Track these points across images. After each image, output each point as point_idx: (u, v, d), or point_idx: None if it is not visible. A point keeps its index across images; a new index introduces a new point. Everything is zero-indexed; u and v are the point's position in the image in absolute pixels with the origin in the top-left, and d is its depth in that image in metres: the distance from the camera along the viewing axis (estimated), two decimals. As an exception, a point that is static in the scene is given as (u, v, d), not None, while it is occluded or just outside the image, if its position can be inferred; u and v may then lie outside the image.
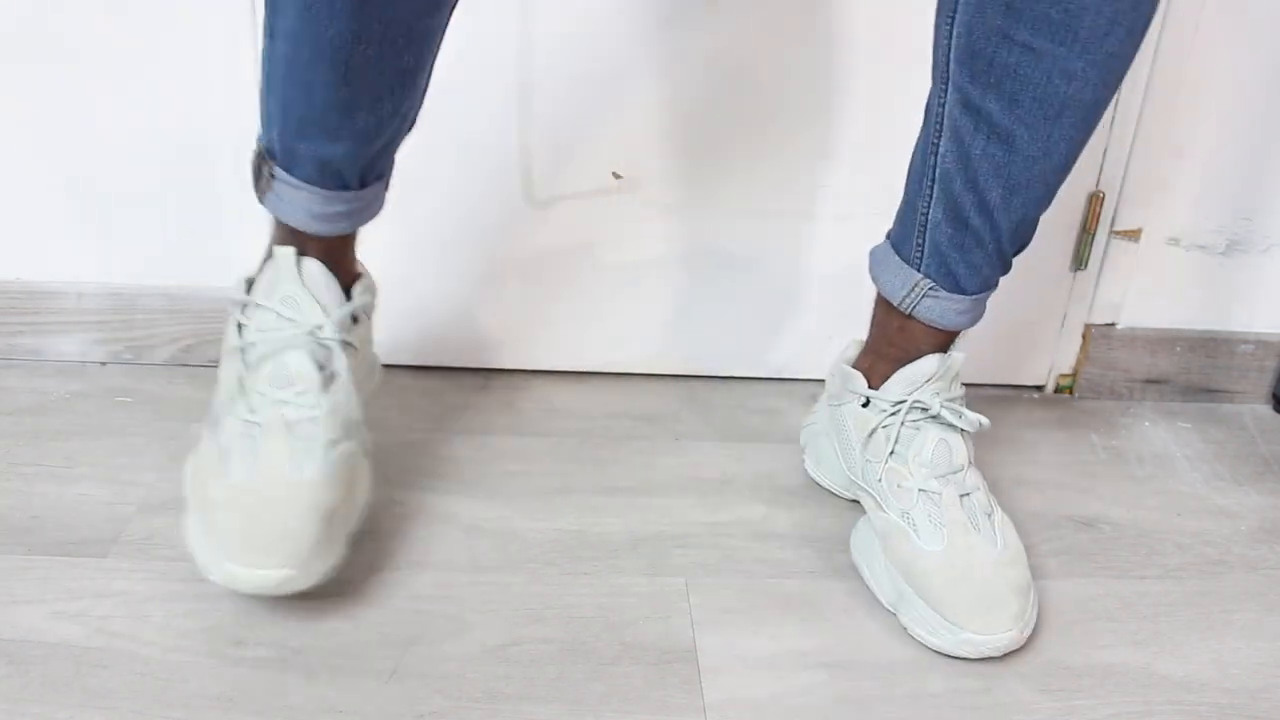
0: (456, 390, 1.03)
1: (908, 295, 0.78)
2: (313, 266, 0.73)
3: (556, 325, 1.04)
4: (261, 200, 0.74)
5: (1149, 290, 1.04)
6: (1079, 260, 1.03)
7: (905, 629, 0.74)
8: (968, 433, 0.80)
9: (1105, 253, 1.02)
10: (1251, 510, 0.92)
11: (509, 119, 0.94)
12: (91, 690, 0.66)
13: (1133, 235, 1.02)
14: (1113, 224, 1.01)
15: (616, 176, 0.98)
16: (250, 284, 0.77)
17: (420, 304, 1.02)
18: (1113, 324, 1.06)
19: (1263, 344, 1.07)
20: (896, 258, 0.80)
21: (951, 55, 0.70)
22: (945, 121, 0.72)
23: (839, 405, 0.85)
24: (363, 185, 0.73)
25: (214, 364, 1.03)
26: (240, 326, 0.75)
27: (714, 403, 1.03)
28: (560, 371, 1.07)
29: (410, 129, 0.75)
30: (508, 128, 0.95)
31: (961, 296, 0.77)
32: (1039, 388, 1.10)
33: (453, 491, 0.87)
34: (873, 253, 0.83)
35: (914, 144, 0.78)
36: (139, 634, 0.70)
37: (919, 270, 0.78)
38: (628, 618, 0.74)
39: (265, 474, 0.69)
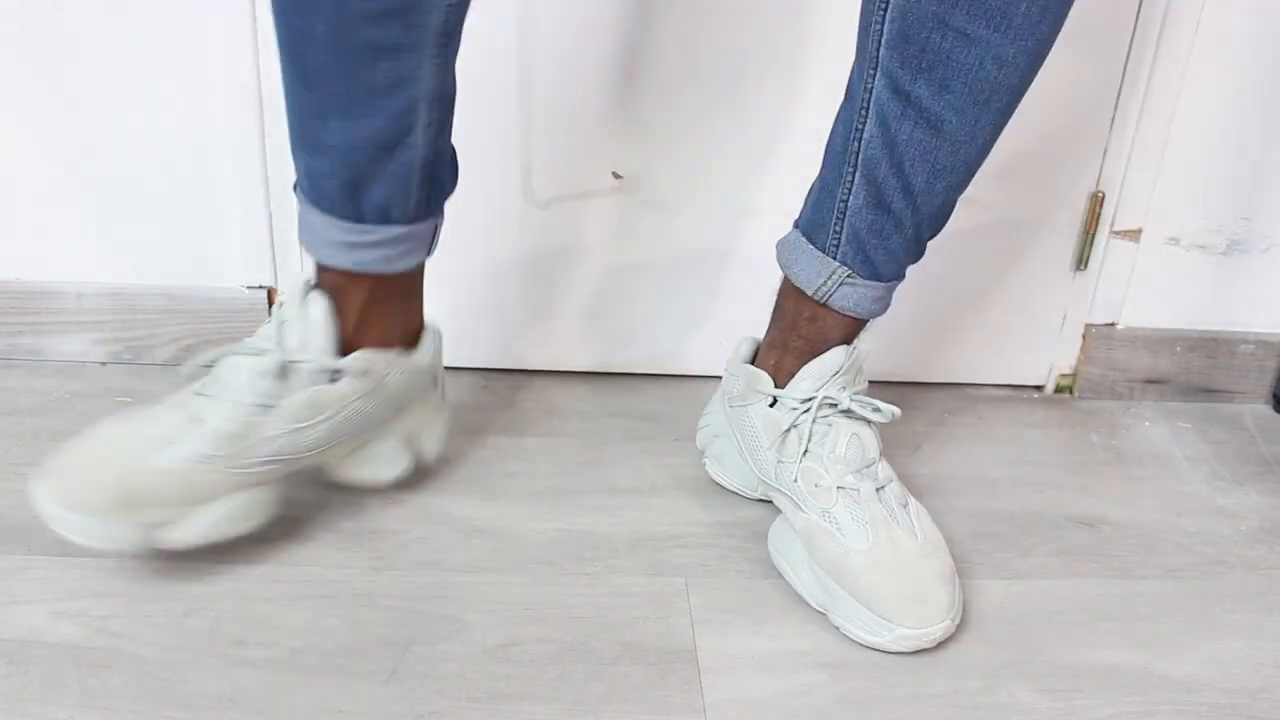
0: (456, 390, 1.03)
1: (824, 284, 0.77)
2: (318, 300, 0.73)
3: (556, 325, 1.04)
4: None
5: (1149, 290, 1.04)
6: (1079, 260, 1.03)
7: (838, 629, 0.74)
8: (876, 425, 0.79)
9: (1105, 253, 1.02)
10: (1251, 510, 0.92)
11: (509, 119, 0.95)
12: (91, 690, 0.65)
13: (1133, 235, 1.02)
14: (1113, 224, 1.01)
15: (616, 176, 0.98)
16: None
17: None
18: (1113, 324, 1.06)
19: (1263, 344, 1.07)
20: (811, 246, 0.78)
21: (883, 39, 0.69)
22: (871, 106, 0.71)
23: (744, 406, 0.83)
24: (359, 219, 0.71)
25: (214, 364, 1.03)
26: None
27: (714, 403, 1.03)
28: (560, 371, 1.07)
29: (423, 179, 0.73)
30: (508, 128, 0.95)
31: (877, 283, 0.76)
32: (1039, 388, 1.10)
33: (452, 491, 0.87)
34: (781, 243, 0.81)
35: (831, 128, 0.77)
36: (139, 634, 0.70)
37: (835, 258, 0.76)
38: (628, 618, 0.74)
39: (132, 433, 0.71)
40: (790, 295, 0.81)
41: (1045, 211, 1.01)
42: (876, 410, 0.78)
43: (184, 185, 0.97)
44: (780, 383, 0.81)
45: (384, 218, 0.72)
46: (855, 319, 0.78)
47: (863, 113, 0.71)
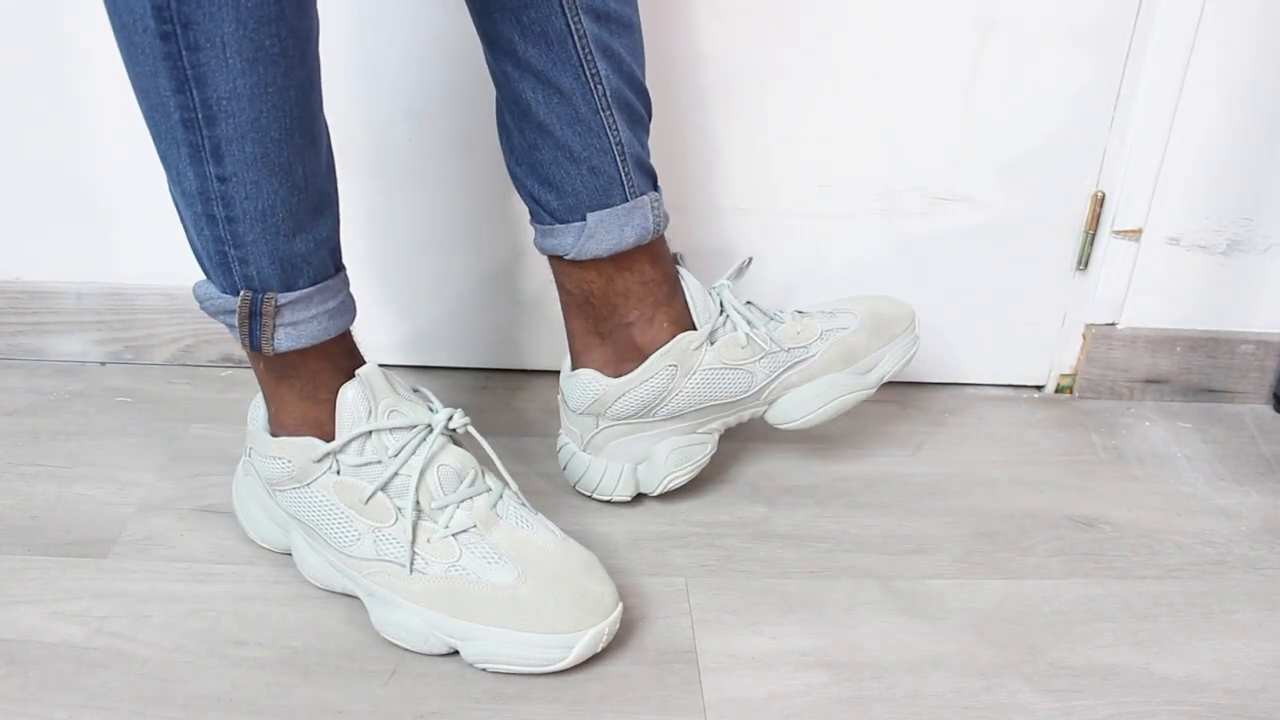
0: (456, 390, 1.03)
1: (657, 220, 0.81)
2: (375, 370, 0.70)
3: (556, 325, 1.04)
4: (271, 349, 0.68)
5: (1149, 290, 1.04)
6: (1079, 260, 1.03)
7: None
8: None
9: (1105, 253, 1.02)
10: (1251, 510, 0.92)
11: (509, 119, 0.94)
12: (91, 690, 0.66)
13: (1133, 235, 1.02)
14: (1113, 224, 1.01)
15: (616, 176, 0.98)
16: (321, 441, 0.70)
17: (420, 304, 1.02)
18: (1113, 324, 1.06)
19: (1263, 344, 1.07)
20: (616, 209, 0.77)
21: None
22: (592, 46, 0.72)
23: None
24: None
25: (214, 364, 1.03)
26: (357, 468, 0.70)
27: (714, 403, 1.03)
28: (560, 371, 1.06)
29: None
30: (508, 128, 0.95)
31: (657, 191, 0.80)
32: (1039, 388, 1.10)
33: (453, 491, 0.87)
34: (584, 229, 0.77)
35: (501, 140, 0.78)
36: (139, 634, 0.70)
37: (644, 194, 0.78)
38: (628, 618, 0.74)
39: (561, 540, 0.73)
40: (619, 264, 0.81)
41: (1045, 211, 1.01)
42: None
43: (184, 185, 0.97)
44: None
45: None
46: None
47: (588, 58, 0.73)
